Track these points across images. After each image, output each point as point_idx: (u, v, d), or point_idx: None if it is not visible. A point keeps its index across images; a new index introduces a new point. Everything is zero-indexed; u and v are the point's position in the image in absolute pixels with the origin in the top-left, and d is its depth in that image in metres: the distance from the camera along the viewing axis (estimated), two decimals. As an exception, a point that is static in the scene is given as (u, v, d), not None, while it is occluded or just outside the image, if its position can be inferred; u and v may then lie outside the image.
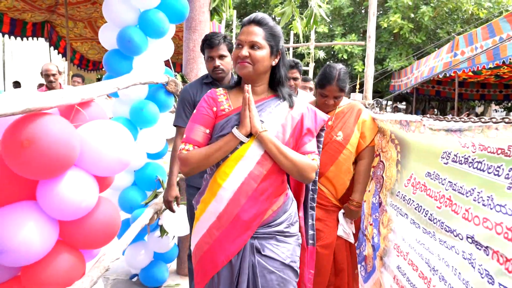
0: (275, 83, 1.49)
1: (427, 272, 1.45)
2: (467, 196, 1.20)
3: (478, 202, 1.14)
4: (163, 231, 2.63)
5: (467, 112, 8.68)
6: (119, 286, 2.79)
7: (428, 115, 1.72)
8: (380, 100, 2.41)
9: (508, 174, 1.04)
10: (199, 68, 2.82)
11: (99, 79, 8.43)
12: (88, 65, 7.71)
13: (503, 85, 11.94)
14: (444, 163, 1.40)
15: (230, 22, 10.80)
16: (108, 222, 1.44)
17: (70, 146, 1.15)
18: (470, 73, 8.53)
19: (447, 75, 8.04)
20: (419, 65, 9.32)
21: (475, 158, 1.20)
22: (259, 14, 1.43)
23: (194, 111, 1.52)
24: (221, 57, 2.13)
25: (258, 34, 1.39)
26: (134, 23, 2.47)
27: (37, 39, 6.55)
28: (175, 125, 2.21)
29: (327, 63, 2.26)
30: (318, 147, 1.57)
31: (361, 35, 12.84)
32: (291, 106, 1.47)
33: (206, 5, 2.78)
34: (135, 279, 2.87)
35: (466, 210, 1.19)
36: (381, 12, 12.36)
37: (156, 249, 2.73)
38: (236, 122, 1.40)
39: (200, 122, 1.45)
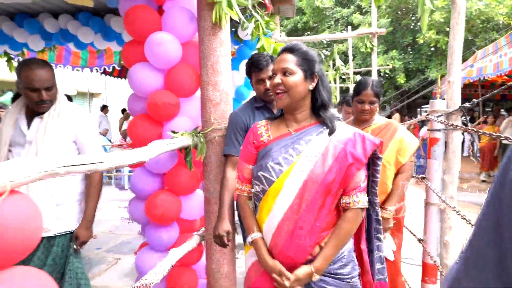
0: (317, 108, 1.44)
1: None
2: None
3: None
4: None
5: (485, 116, 9.91)
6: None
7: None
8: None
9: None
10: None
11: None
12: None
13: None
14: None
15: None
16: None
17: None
18: (505, 77, 9.78)
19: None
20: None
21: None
22: (292, 43, 1.44)
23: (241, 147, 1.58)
24: (271, 78, 1.84)
25: (289, 61, 1.38)
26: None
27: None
28: (226, 154, 1.99)
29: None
30: (375, 176, 1.48)
31: (403, 49, 14.36)
32: (331, 132, 1.40)
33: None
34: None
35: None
36: (418, 28, 13.83)
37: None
38: (275, 152, 1.40)
39: (245, 160, 1.51)
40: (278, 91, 1.39)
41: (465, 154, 11.69)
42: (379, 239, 1.57)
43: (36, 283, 0.89)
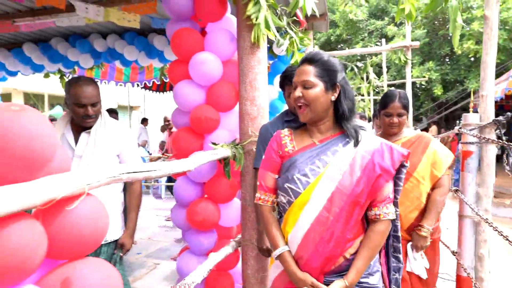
0: (339, 118, 1.42)
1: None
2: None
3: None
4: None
5: None
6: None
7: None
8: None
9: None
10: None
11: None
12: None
13: None
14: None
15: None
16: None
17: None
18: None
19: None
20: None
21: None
22: (312, 52, 1.40)
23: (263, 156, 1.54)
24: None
25: (309, 73, 1.35)
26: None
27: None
28: (256, 168, 2.03)
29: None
30: (398, 184, 1.42)
31: (439, 60, 14.03)
32: (357, 143, 1.38)
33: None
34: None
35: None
36: (455, 39, 13.48)
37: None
38: (301, 164, 1.38)
39: (269, 169, 1.48)
40: (300, 104, 1.39)
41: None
42: (397, 259, 1.50)
43: (103, 270, 1.05)
